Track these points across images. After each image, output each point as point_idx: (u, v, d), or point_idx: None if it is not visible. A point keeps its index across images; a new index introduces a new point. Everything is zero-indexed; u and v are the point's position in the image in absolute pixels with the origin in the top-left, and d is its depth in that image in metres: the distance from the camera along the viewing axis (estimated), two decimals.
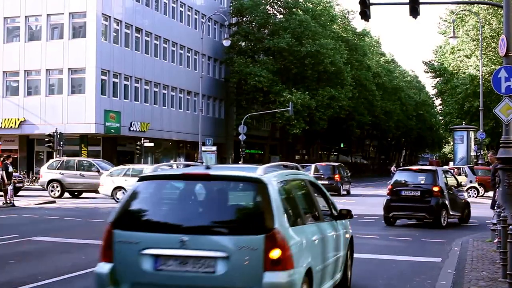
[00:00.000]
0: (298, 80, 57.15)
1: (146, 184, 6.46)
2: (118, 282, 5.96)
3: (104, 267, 6.02)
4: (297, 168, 7.92)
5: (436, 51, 66.52)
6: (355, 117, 67.39)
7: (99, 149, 42.18)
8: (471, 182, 31.93)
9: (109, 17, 40.78)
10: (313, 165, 34.90)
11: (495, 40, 43.62)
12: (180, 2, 50.07)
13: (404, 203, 17.33)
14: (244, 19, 59.08)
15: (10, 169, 23.94)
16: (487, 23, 45.87)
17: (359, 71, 66.62)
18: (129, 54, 43.03)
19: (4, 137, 41.86)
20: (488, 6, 41.04)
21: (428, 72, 66.49)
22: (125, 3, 42.78)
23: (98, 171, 28.71)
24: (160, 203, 6.46)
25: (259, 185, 6.01)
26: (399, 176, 18.52)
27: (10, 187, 23.56)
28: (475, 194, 31.21)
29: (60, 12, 40.25)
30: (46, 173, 29.30)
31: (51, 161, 30.77)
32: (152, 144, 41.16)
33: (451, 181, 18.59)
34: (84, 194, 30.12)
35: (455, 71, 55.23)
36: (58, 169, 29.10)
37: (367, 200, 29.58)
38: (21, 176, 31.59)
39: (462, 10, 46.04)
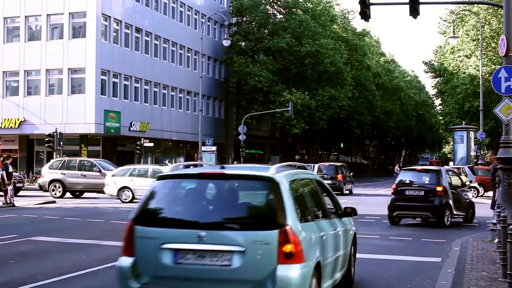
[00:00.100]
0: (298, 80, 57.17)
1: (165, 183, 6.80)
2: (139, 275, 6.28)
3: (125, 261, 6.36)
4: (305, 168, 8.28)
5: (436, 51, 66.53)
6: (355, 117, 67.40)
7: (99, 149, 42.18)
8: (471, 182, 31.93)
9: (109, 17, 40.79)
10: (316, 165, 35.07)
11: (495, 40, 43.63)
12: (180, 2, 50.07)
13: (408, 203, 17.48)
14: (244, 19, 59.09)
15: (10, 169, 23.93)
16: (487, 23, 45.89)
17: (359, 71, 66.63)
18: (129, 54, 43.04)
19: (4, 137, 41.86)
20: (488, 6, 41.06)
21: (428, 72, 66.52)
22: (125, 3, 42.79)
23: (100, 171, 28.73)
24: (178, 201, 6.81)
25: (272, 184, 6.37)
26: (403, 176, 18.65)
27: (10, 187, 23.55)
28: (475, 194, 31.23)
29: (60, 12, 40.26)
30: (47, 173, 29.25)
31: (52, 161, 30.74)
32: (152, 144, 41.17)
33: (456, 181, 18.71)
34: (86, 194, 30.10)
35: (455, 71, 55.25)
36: (59, 169, 29.07)
37: (367, 200, 29.58)
38: (21, 176, 31.56)
39: (462, 10, 46.06)
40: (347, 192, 34.24)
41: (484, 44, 44.67)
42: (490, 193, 21.28)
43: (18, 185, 28.11)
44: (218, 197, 6.64)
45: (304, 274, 6.13)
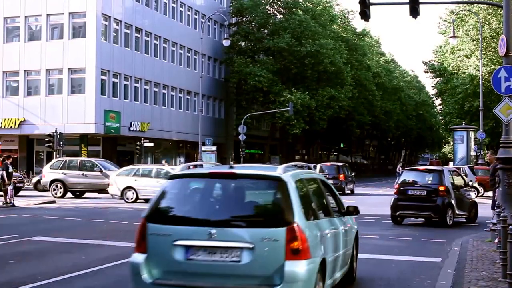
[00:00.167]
0: (298, 80, 57.18)
1: (176, 182, 7.07)
2: (151, 270, 6.51)
3: (138, 257, 6.57)
4: (310, 168, 8.41)
5: (436, 51, 66.52)
6: (355, 117, 67.41)
7: (99, 149, 42.19)
8: (471, 182, 31.93)
9: (109, 17, 40.79)
10: (318, 165, 35.31)
11: (495, 40, 43.64)
12: (180, 2, 50.08)
13: (410, 202, 17.60)
14: (244, 19, 59.10)
15: (10, 169, 23.93)
16: (487, 23, 45.89)
17: (359, 71, 66.64)
18: (129, 54, 43.04)
19: (4, 137, 41.87)
20: (488, 6, 41.07)
21: (428, 72, 66.50)
22: (125, 3, 42.79)
23: (101, 171, 28.74)
24: (189, 199, 7.06)
25: (279, 183, 6.62)
26: (406, 175, 18.81)
27: (10, 187, 23.56)
28: (475, 194, 31.23)
29: (60, 12, 40.26)
30: (48, 173, 29.22)
31: (53, 161, 30.71)
32: (152, 144, 41.18)
33: (458, 181, 18.81)
34: (87, 194, 30.09)
35: (455, 71, 55.25)
36: (60, 169, 29.06)
37: (367, 200, 29.59)
38: (22, 176, 31.54)
39: (462, 10, 46.06)
40: (349, 191, 34.57)
41: (484, 44, 44.67)
42: (490, 193, 21.30)
43: (18, 185, 28.13)
44: (228, 196, 6.89)
45: (311, 270, 6.35)
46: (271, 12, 59.82)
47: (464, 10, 45.75)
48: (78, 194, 29.83)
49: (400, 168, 51.72)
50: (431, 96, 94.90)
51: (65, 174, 28.89)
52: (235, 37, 56.00)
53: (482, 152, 41.46)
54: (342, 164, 38.90)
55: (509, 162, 12.09)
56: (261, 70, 53.28)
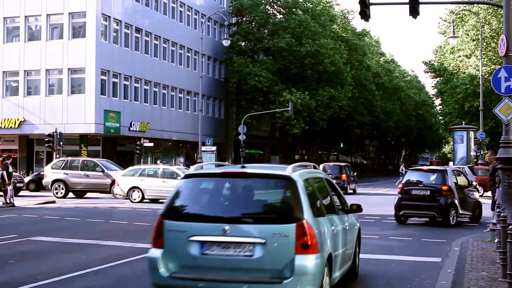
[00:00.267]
0: (298, 80, 57.17)
1: (190, 181, 7.42)
2: (168, 265, 6.86)
3: (155, 253, 6.92)
4: (315, 168, 8.87)
5: (436, 51, 66.51)
6: (355, 117, 67.39)
7: (99, 149, 42.18)
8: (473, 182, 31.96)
9: (109, 17, 40.78)
10: (321, 165, 35.59)
11: (495, 40, 43.65)
12: (180, 2, 50.07)
13: (414, 202, 17.77)
14: (244, 19, 59.08)
15: (10, 169, 23.94)
16: (487, 23, 45.89)
17: (359, 71, 66.62)
18: (129, 54, 43.04)
19: (4, 137, 41.86)
20: (488, 6, 41.08)
21: (428, 72, 66.48)
22: (124, 3, 42.78)
23: (103, 171, 28.75)
24: (204, 197, 7.42)
25: (289, 182, 6.99)
26: (410, 175, 18.97)
27: (10, 187, 23.56)
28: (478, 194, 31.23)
29: (60, 12, 40.25)
30: (50, 173, 29.20)
31: (55, 161, 30.68)
32: (152, 144, 41.18)
33: (462, 181, 18.92)
34: (89, 194, 30.07)
35: (455, 71, 55.25)
36: (62, 169, 29.05)
37: (367, 200, 29.56)
38: (22, 176, 31.54)
39: (462, 10, 46.06)
40: (351, 191, 35.06)
41: (484, 44, 44.67)
42: (489, 193, 21.30)
43: (18, 185, 28.14)
44: (240, 194, 7.27)
45: (319, 264, 6.68)
46: (271, 12, 59.80)
47: (464, 10, 45.75)
48: (80, 194, 29.81)
49: (404, 168, 51.95)
50: (431, 96, 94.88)
51: (67, 174, 28.89)
52: (235, 37, 56.00)
53: (482, 152, 41.46)
54: (345, 164, 39.52)
55: (509, 162, 12.09)
56: (261, 70, 53.27)
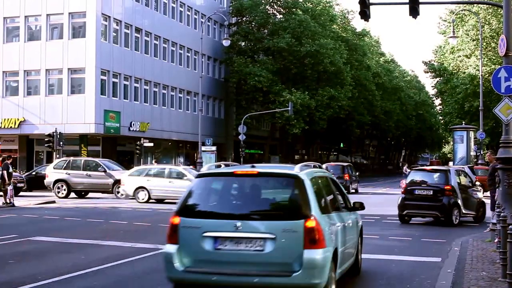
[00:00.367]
0: (298, 80, 57.17)
1: (203, 181, 7.76)
2: (183, 260, 7.18)
3: (171, 248, 7.25)
4: (320, 167, 9.15)
5: (436, 51, 66.50)
6: (355, 117, 67.41)
7: (98, 149, 42.18)
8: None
9: (109, 17, 40.78)
10: (324, 165, 35.80)
11: (495, 40, 43.65)
12: (180, 2, 50.07)
13: (417, 202, 17.96)
14: (243, 19, 59.08)
15: (10, 169, 23.93)
16: (487, 23, 45.90)
17: (358, 71, 66.63)
18: (129, 54, 43.04)
19: (4, 137, 41.86)
20: (488, 6, 41.09)
21: (428, 72, 66.45)
22: (124, 3, 42.78)
23: (105, 171, 28.73)
24: (216, 195, 7.77)
25: (297, 180, 7.33)
26: (414, 175, 19.14)
27: (10, 187, 23.56)
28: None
29: (60, 12, 40.25)
30: (52, 173, 29.16)
31: (57, 160, 30.64)
32: (151, 144, 41.17)
33: (465, 181, 19.08)
34: (91, 194, 30.06)
35: (455, 71, 55.26)
36: (64, 169, 29.02)
37: (367, 200, 29.35)
38: (23, 176, 31.54)
39: (462, 10, 46.06)
40: (353, 190, 35.58)
41: (484, 44, 44.67)
42: (488, 193, 21.31)
43: (19, 185, 28.11)
44: (251, 192, 7.63)
45: (326, 258, 7.02)
46: (271, 12, 59.80)
47: (464, 10, 45.75)
48: (83, 194, 29.79)
49: (407, 169, 52.21)
50: (431, 96, 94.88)
51: (69, 174, 28.87)
52: (235, 37, 56.00)
53: (482, 152, 41.44)
54: (347, 164, 40.32)
55: (509, 162, 12.08)
56: (261, 70, 53.27)
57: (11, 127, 40.69)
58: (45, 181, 29.58)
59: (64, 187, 28.76)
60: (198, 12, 52.93)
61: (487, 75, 42.56)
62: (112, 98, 41.08)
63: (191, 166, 32.97)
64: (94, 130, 39.14)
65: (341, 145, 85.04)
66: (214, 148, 44.92)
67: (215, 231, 7.11)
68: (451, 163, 48.11)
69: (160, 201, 26.02)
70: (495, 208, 12.29)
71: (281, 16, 59.26)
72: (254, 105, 58.12)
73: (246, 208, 7.36)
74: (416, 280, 9.58)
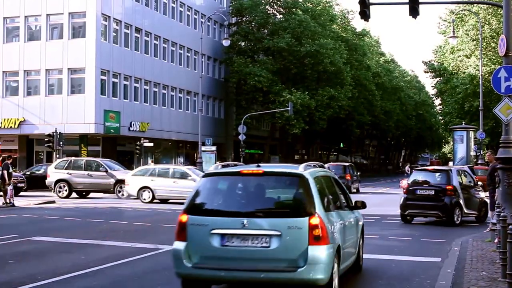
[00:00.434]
0: (298, 80, 57.16)
1: (210, 180, 8.00)
2: (191, 256, 7.39)
3: (179, 245, 7.46)
4: (323, 167, 9.24)
5: (436, 51, 66.48)
6: (355, 117, 67.40)
7: (98, 149, 42.17)
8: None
9: (109, 17, 40.77)
10: (326, 165, 35.80)
11: (495, 40, 43.65)
12: (180, 2, 50.06)
13: (419, 202, 18.10)
14: (243, 19, 59.07)
15: (10, 169, 23.92)
16: (487, 23, 45.89)
17: (358, 71, 66.63)
18: (129, 54, 43.03)
19: (4, 137, 41.84)
20: (487, 6, 41.09)
21: (428, 72, 66.42)
22: (124, 3, 42.78)
23: (106, 171, 28.71)
24: (223, 194, 7.95)
25: (301, 179, 7.56)
26: (416, 175, 19.25)
27: (10, 187, 23.55)
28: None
29: (60, 12, 40.24)
30: (53, 173, 29.13)
31: (58, 160, 30.61)
32: (151, 144, 41.15)
33: (467, 181, 19.12)
34: (92, 194, 30.05)
35: (455, 71, 55.25)
36: (65, 169, 29.00)
37: (367, 200, 29.39)
38: (23, 176, 31.56)
39: (462, 10, 46.05)
40: (354, 190, 35.91)
41: (484, 44, 44.66)
42: (487, 193, 21.33)
43: (19, 185, 28.09)
44: (257, 191, 7.85)
45: (330, 254, 7.24)
46: (271, 12, 59.78)
47: (464, 10, 45.74)
48: (84, 194, 29.77)
49: (409, 168, 52.55)
50: (431, 96, 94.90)
51: (70, 174, 28.86)
52: (235, 37, 56.00)
53: (481, 152, 41.43)
54: (349, 164, 40.88)
55: (509, 162, 12.08)
56: (261, 70, 53.26)
57: (11, 127, 40.68)
58: (46, 181, 29.55)
59: (66, 187, 28.75)
60: (198, 12, 52.93)
61: (487, 75, 42.55)
62: (112, 98, 41.07)
63: (195, 166, 32.93)
64: (94, 130, 39.14)
65: (341, 145, 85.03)
66: (214, 148, 44.88)
67: (222, 228, 7.32)
68: (451, 163, 48.12)
69: (164, 201, 25.99)
70: (495, 208, 12.27)
71: (281, 16, 59.25)
72: (254, 105, 58.11)
73: (252, 206, 7.59)
74: (416, 280, 9.57)
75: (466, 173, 19.99)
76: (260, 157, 62.39)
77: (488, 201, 18.12)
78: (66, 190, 28.70)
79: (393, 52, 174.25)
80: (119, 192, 28.22)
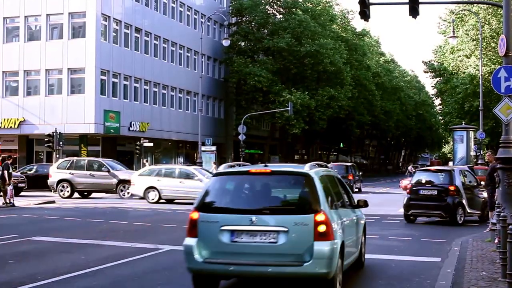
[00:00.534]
0: (298, 80, 57.16)
1: (220, 179, 8.38)
2: (202, 251, 7.72)
3: (191, 241, 7.80)
4: (327, 166, 9.51)
5: (436, 51, 66.46)
6: (355, 117, 67.41)
7: (98, 149, 42.16)
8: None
9: (109, 17, 40.76)
10: (328, 165, 35.97)
11: (495, 40, 43.65)
12: (180, 2, 50.05)
13: (422, 202, 18.29)
14: (243, 19, 59.07)
15: (11, 169, 23.92)
16: (486, 23, 45.89)
17: (358, 71, 66.63)
18: (129, 54, 43.02)
19: (4, 137, 41.83)
20: (487, 6, 41.09)
21: (428, 72, 66.40)
22: (124, 3, 42.77)
23: (108, 171, 28.70)
24: (232, 192, 8.32)
25: (307, 178, 7.91)
26: (419, 175, 19.41)
27: (10, 187, 23.55)
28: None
29: (60, 12, 40.24)
30: (55, 173, 29.10)
31: (60, 160, 30.57)
32: (151, 144, 41.13)
33: (470, 181, 19.24)
34: (94, 194, 30.04)
35: (455, 71, 55.24)
36: (67, 169, 28.98)
37: (367, 199, 29.56)
38: (23, 176, 31.54)
39: (462, 10, 46.05)
40: (356, 190, 36.32)
41: (484, 44, 44.66)
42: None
43: (20, 185, 28.07)
44: (264, 189, 8.20)
45: (334, 250, 7.56)
46: (271, 12, 59.77)
47: (464, 10, 45.74)
48: (86, 194, 29.75)
49: (412, 169, 52.77)
50: (431, 96, 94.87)
51: (72, 174, 28.85)
52: (234, 37, 55.99)
53: (481, 152, 41.42)
54: (351, 164, 41.71)
55: (509, 162, 12.08)
56: (261, 70, 53.26)
57: (11, 127, 40.68)
58: (48, 181, 29.55)
59: (68, 187, 28.74)
60: (198, 12, 52.92)
61: (487, 75, 42.53)
62: (112, 98, 41.07)
63: (200, 167, 32.94)
64: (94, 130, 39.13)
65: (341, 145, 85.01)
66: (214, 148, 44.89)
67: (232, 225, 7.65)
68: (450, 163, 48.12)
69: (170, 201, 25.95)
70: (495, 208, 12.28)
71: (281, 16, 59.24)
72: (254, 105, 58.11)
73: (261, 204, 7.94)
74: (416, 280, 9.58)
75: (469, 173, 20.05)
76: (260, 157, 62.35)
77: None
78: (68, 191, 28.69)
79: (393, 52, 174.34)
80: (122, 192, 28.20)
